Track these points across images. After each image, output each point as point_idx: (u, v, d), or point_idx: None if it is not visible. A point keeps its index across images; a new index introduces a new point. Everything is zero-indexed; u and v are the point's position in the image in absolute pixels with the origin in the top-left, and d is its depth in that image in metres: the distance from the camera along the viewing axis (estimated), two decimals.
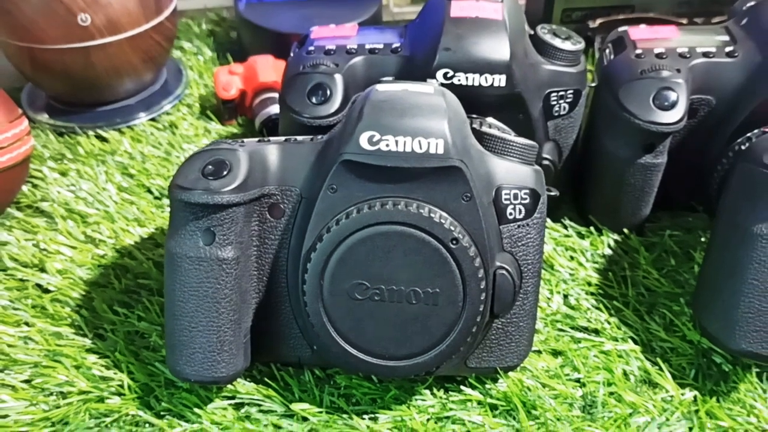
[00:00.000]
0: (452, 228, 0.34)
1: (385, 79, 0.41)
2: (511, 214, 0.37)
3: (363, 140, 0.34)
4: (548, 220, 0.50)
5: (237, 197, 0.35)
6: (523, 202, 0.37)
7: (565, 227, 0.50)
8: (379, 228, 0.34)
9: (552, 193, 0.42)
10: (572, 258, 0.48)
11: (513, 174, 0.37)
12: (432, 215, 0.34)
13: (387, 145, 0.34)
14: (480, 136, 0.38)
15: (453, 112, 0.35)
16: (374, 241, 0.35)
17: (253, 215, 0.37)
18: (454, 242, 0.34)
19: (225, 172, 0.35)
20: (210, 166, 0.36)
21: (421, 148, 0.34)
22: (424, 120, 0.34)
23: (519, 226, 0.37)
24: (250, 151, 0.37)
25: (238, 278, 0.36)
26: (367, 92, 0.36)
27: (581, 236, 0.50)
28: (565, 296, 0.46)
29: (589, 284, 0.47)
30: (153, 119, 0.60)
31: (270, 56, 0.60)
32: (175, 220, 0.36)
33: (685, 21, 0.66)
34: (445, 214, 0.35)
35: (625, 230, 0.49)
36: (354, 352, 0.36)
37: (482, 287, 0.35)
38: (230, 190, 0.35)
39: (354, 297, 0.35)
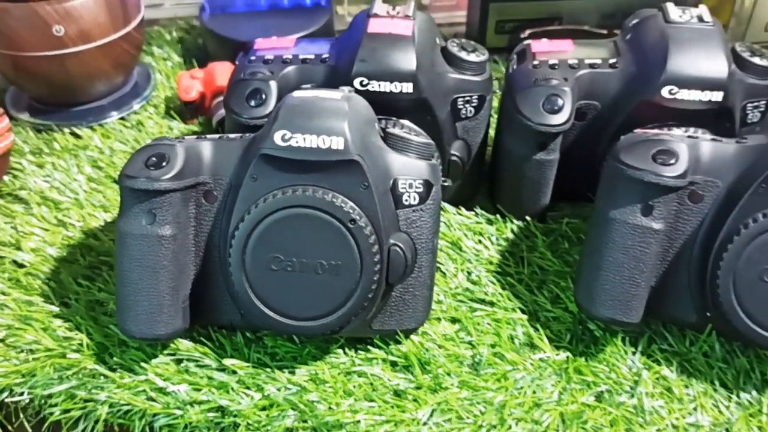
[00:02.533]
0: (351, 211, 0.42)
1: (304, 86, 0.48)
2: (406, 200, 0.44)
3: (277, 138, 0.42)
4: (461, 208, 0.58)
5: (173, 184, 0.43)
6: (417, 190, 0.44)
7: (477, 215, 0.57)
8: (290, 210, 0.42)
9: (446, 184, 0.49)
10: (479, 241, 0.55)
11: (409, 167, 0.44)
12: (334, 200, 0.42)
13: (296, 142, 0.41)
14: (386, 135, 0.45)
15: (355, 114, 0.43)
16: (287, 222, 0.42)
17: (190, 200, 0.44)
18: (352, 222, 0.42)
19: (164, 163, 0.43)
20: (152, 158, 0.43)
21: (324, 144, 0.41)
22: (327, 121, 0.41)
23: (414, 211, 0.45)
24: (186, 146, 0.44)
25: (176, 252, 0.44)
26: (285, 98, 0.43)
27: (489, 222, 0.57)
28: (468, 273, 0.53)
29: (491, 263, 0.54)
30: (122, 118, 0.67)
31: (228, 63, 0.67)
32: (123, 203, 0.44)
33: (605, 31, 0.73)
34: (345, 199, 0.42)
35: (528, 217, 0.56)
36: (270, 314, 0.43)
37: (376, 260, 0.42)
38: (168, 178, 0.42)
39: (270, 268, 0.42)
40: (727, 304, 0.43)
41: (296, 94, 0.43)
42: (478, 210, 0.58)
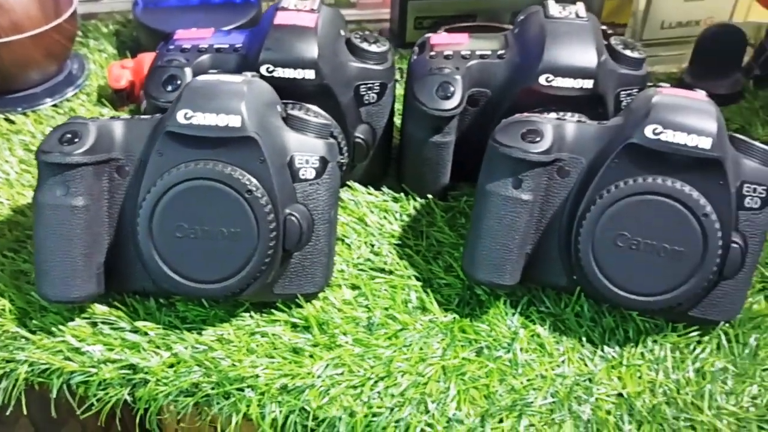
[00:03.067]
0: (247, 182, 0.46)
1: (211, 71, 0.53)
2: (303, 175, 0.49)
3: (180, 116, 0.46)
4: (370, 187, 0.62)
5: (85, 158, 0.47)
6: (313, 166, 0.49)
7: (384, 193, 0.62)
8: (192, 182, 0.46)
9: (342, 160, 0.54)
10: (384, 217, 0.60)
11: (306, 144, 0.49)
12: (232, 172, 0.46)
13: (197, 120, 0.46)
14: (287, 116, 0.50)
15: (254, 96, 0.47)
16: (189, 193, 0.46)
17: (103, 174, 0.48)
18: (249, 193, 0.46)
19: (77, 140, 0.47)
20: (67, 135, 0.47)
21: (222, 122, 0.46)
22: (226, 101, 0.46)
23: (310, 185, 0.49)
24: (99, 125, 0.48)
25: (89, 222, 0.48)
26: (190, 81, 0.48)
27: (395, 200, 0.62)
28: (371, 245, 0.58)
29: (393, 237, 0.59)
30: (56, 105, 0.71)
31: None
32: (40, 176, 0.47)
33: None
34: (243, 172, 0.46)
35: (429, 196, 0.61)
36: (176, 277, 0.47)
37: (272, 228, 0.47)
38: (79, 153, 0.47)
39: (176, 236, 0.47)
40: (587, 267, 0.48)
41: (200, 77, 0.48)
42: (386, 189, 0.63)
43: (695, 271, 0.47)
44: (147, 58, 0.70)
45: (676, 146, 0.45)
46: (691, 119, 0.45)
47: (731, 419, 0.47)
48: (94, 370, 0.49)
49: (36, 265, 0.48)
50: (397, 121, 0.65)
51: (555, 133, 0.49)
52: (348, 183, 0.62)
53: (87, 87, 0.74)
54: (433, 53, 0.58)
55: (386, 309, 0.53)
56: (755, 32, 0.80)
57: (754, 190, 0.47)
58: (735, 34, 0.75)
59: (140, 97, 0.70)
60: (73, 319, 0.51)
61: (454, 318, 0.53)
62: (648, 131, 0.46)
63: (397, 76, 0.60)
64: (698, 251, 0.46)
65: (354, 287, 0.55)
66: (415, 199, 0.62)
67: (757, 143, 0.48)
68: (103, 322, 0.51)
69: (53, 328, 0.50)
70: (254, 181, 0.46)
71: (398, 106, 0.64)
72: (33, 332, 0.50)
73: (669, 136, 0.45)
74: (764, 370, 0.50)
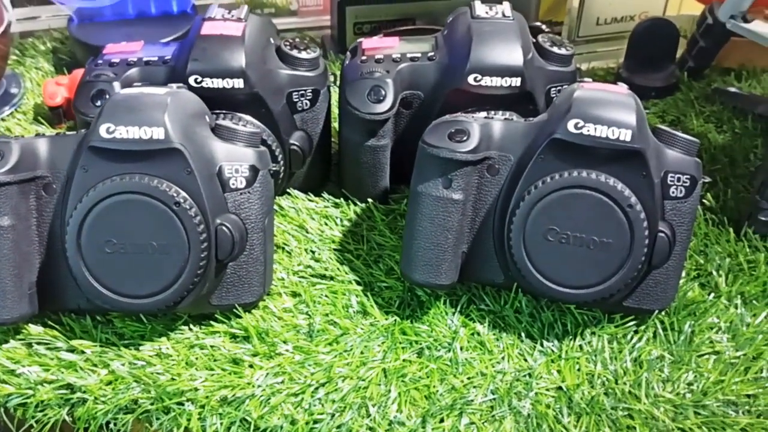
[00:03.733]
0: (175, 194, 0.46)
1: (135, 84, 0.52)
2: (233, 184, 0.49)
3: (102, 131, 0.45)
4: (310, 194, 0.62)
5: (8, 178, 0.46)
6: (243, 175, 0.49)
7: (324, 200, 0.62)
8: (118, 197, 0.46)
9: (274, 168, 0.54)
10: (325, 223, 0.60)
11: (235, 154, 0.49)
12: (158, 185, 0.46)
13: (120, 134, 0.45)
14: (216, 126, 0.50)
15: (177, 107, 0.47)
16: (116, 207, 0.46)
17: (30, 193, 0.48)
18: (177, 205, 0.46)
19: None
20: None
21: (146, 134, 0.45)
22: (148, 113, 0.46)
23: (241, 194, 0.49)
24: (22, 143, 0.48)
25: (16, 242, 0.47)
26: (112, 95, 0.47)
27: (335, 206, 0.62)
28: (312, 252, 0.58)
29: (333, 242, 0.59)
30: None
31: None
32: None
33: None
34: (170, 184, 0.46)
35: (369, 200, 0.62)
36: (108, 293, 0.47)
37: (203, 239, 0.46)
38: (2, 173, 0.46)
39: (104, 251, 0.46)
40: (520, 263, 0.49)
41: (123, 91, 0.48)
42: (326, 195, 0.63)
43: (624, 262, 0.47)
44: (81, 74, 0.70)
45: (598, 139, 0.46)
46: (610, 112, 0.46)
47: (668, 406, 0.48)
48: (30, 392, 0.48)
49: None
50: (335, 126, 0.66)
51: (482, 131, 0.49)
52: (288, 190, 0.62)
53: (23, 106, 0.73)
54: (364, 57, 0.59)
55: (327, 315, 0.53)
56: (688, 24, 0.82)
57: (678, 179, 0.48)
58: (667, 28, 0.77)
59: None
60: (7, 341, 0.50)
61: (395, 320, 0.53)
62: (570, 126, 0.46)
63: (332, 82, 0.60)
64: (626, 242, 0.47)
65: (294, 295, 0.55)
66: (355, 204, 0.62)
67: (679, 133, 0.49)
68: (38, 343, 0.50)
69: None
70: (182, 192, 0.46)
71: (336, 111, 0.64)
72: None
73: (590, 129, 0.46)
74: (699, 356, 0.51)
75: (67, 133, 0.49)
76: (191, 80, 0.54)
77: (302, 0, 0.87)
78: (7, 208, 0.46)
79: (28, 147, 0.48)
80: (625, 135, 0.46)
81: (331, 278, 0.56)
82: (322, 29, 0.88)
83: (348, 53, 0.61)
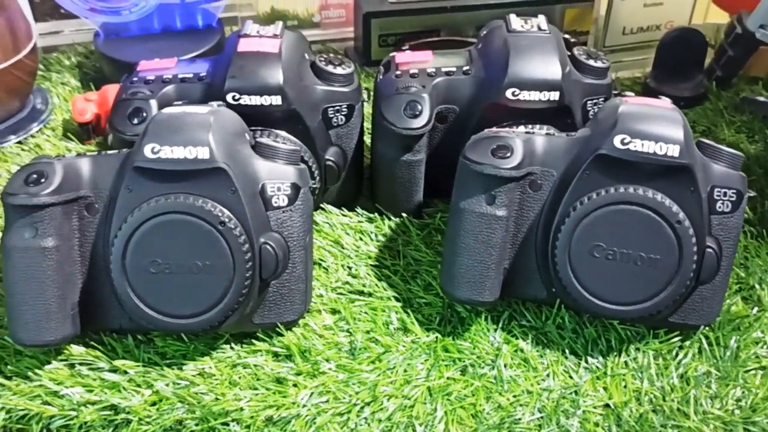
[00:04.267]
0: (220, 214, 0.45)
1: (176, 103, 0.52)
2: (275, 202, 0.48)
3: (147, 151, 0.45)
4: (344, 209, 0.62)
5: (52, 199, 0.46)
6: (285, 193, 0.49)
7: (358, 214, 0.62)
8: (163, 217, 0.45)
9: (315, 186, 0.53)
10: (360, 239, 0.60)
11: (277, 172, 0.49)
12: (203, 204, 0.45)
13: (165, 154, 0.45)
14: (256, 144, 0.50)
15: (220, 126, 0.47)
16: (161, 227, 0.45)
17: (72, 213, 0.47)
18: (222, 225, 0.46)
19: (43, 180, 0.46)
20: (32, 176, 0.46)
21: (191, 154, 0.45)
22: (193, 133, 0.45)
23: (283, 212, 0.49)
24: (65, 163, 0.47)
25: (60, 262, 0.47)
26: (155, 114, 0.47)
27: (369, 221, 0.61)
28: (349, 268, 0.57)
29: (369, 258, 0.58)
30: (20, 142, 0.70)
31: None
32: (7, 220, 0.46)
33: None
34: (214, 203, 0.46)
35: (404, 214, 0.61)
36: (153, 314, 0.46)
37: (248, 258, 0.46)
38: (46, 194, 0.46)
39: (150, 271, 0.46)
40: (565, 279, 0.49)
41: (165, 110, 0.47)
42: (360, 210, 0.62)
43: (672, 278, 0.47)
44: (111, 90, 0.69)
45: (645, 155, 0.46)
46: (658, 128, 0.46)
47: (718, 423, 0.48)
48: (74, 413, 0.48)
49: (8, 309, 0.47)
50: (367, 141, 0.65)
51: (525, 147, 0.49)
52: (322, 206, 0.62)
53: (51, 122, 0.73)
54: (398, 72, 0.58)
55: (368, 332, 0.53)
56: (714, 33, 0.82)
57: (725, 194, 0.48)
58: (696, 37, 0.76)
59: (106, 129, 0.69)
60: (49, 362, 0.50)
61: (437, 337, 0.53)
62: (617, 141, 0.46)
63: (365, 97, 0.60)
64: (674, 258, 0.47)
65: (334, 312, 0.54)
66: (389, 219, 0.61)
67: (723, 147, 0.49)
68: (81, 363, 0.50)
69: (29, 373, 0.49)
70: (227, 212, 0.46)
71: (368, 126, 0.64)
72: (9, 378, 0.49)
73: (637, 145, 0.46)
74: (746, 371, 0.51)
75: (108, 152, 0.49)
76: (229, 97, 0.53)
77: (325, 12, 0.87)
78: (51, 228, 0.46)
79: (70, 167, 0.47)
80: (673, 150, 0.45)
81: (370, 294, 0.56)
82: (344, 41, 0.88)
83: (381, 68, 0.61)
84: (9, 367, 0.49)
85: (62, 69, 0.81)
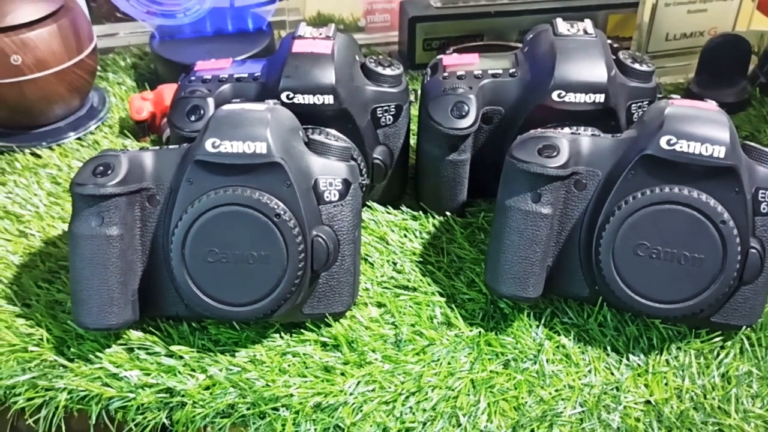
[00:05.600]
0: (276, 207, 0.47)
1: (234, 101, 0.54)
2: (327, 197, 0.50)
3: (208, 145, 0.47)
4: (389, 206, 0.64)
5: (118, 189, 0.48)
6: (337, 188, 0.50)
7: (403, 212, 0.64)
8: (222, 208, 0.48)
9: (364, 182, 0.55)
10: (405, 235, 0.62)
11: (329, 168, 0.50)
12: (260, 197, 0.47)
13: (225, 148, 0.47)
14: (309, 141, 0.52)
15: (277, 123, 0.49)
16: (219, 218, 0.48)
17: (135, 204, 0.50)
18: (277, 217, 0.48)
19: (110, 171, 0.48)
20: (99, 167, 0.49)
21: (249, 149, 0.47)
22: (252, 128, 0.47)
23: (334, 206, 0.51)
24: (130, 156, 0.50)
25: (123, 251, 0.49)
26: (215, 111, 0.49)
27: (414, 219, 0.63)
28: (394, 263, 0.59)
29: (414, 254, 0.60)
30: (79, 138, 0.73)
31: (175, 84, 0.73)
32: (74, 208, 0.49)
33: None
34: (270, 196, 0.48)
35: (448, 213, 0.63)
36: (209, 301, 0.49)
37: (300, 250, 0.48)
38: (113, 184, 0.48)
39: (207, 260, 0.48)
40: (609, 277, 0.50)
41: (225, 107, 0.49)
42: (404, 208, 0.64)
43: (716, 278, 0.48)
44: (166, 90, 0.72)
45: (691, 156, 0.47)
46: (704, 129, 0.47)
47: (759, 422, 0.48)
48: (132, 395, 0.50)
49: (72, 294, 0.50)
50: (413, 141, 0.67)
51: (571, 147, 0.50)
52: (368, 203, 0.63)
53: (109, 119, 0.76)
54: (446, 74, 0.60)
55: (412, 325, 0.54)
56: (758, 40, 0.82)
57: None
58: (740, 43, 0.77)
59: (161, 127, 0.72)
60: (109, 346, 0.52)
61: (480, 332, 0.54)
62: (663, 142, 0.47)
63: (411, 98, 0.62)
64: (718, 258, 0.47)
65: (380, 305, 0.56)
66: (434, 217, 0.63)
67: None
68: (139, 348, 0.52)
69: (91, 356, 0.51)
70: (282, 205, 0.48)
71: (413, 126, 0.65)
72: (71, 360, 0.52)
73: (683, 146, 0.47)
74: None
75: (170, 147, 0.51)
76: (283, 96, 0.56)
77: (370, 17, 0.89)
78: (116, 218, 0.49)
79: (135, 160, 0.50)
80: (719, 152, 0.46)
81: (414, 289, 0.57)
82: (389, 45, 0.90)
83: (428, 70, 0.62)
84: (72, 349, 0.52)
85: (118, 69, 0.84)
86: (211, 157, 0.48)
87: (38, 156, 0.71)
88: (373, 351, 0.52)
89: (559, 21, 0.59)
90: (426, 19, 0.82)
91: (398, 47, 0.87)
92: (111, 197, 0.48)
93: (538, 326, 0.54)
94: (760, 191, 0.48)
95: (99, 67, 0.82)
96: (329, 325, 0.54)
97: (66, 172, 0.68)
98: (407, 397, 0.50)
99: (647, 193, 0.48)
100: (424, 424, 0.48)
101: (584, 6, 0.82)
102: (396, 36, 0.88)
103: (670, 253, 0.48)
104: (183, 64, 0.77)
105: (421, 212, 0.63)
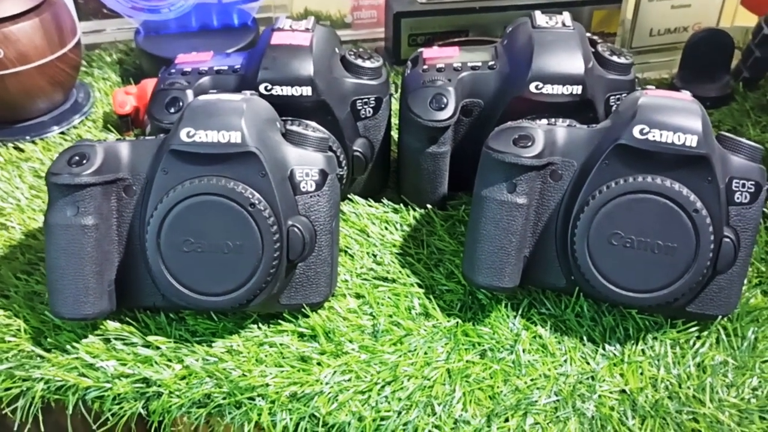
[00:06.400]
0: (250, 196, 0.48)
1: (211, 91, 0.54)
2: (303, 187, 0.50)
3: (183, 134, 0.48)
4: (370, 199, 0.64)
5: (93, 179, 0.48)
6: (313, 179, 0.50)
7: (384, 205, 0.64)
8: (196, 198, 0.48)
9: (341, 173, 0.55)
10: (386, 228, 0.62)
11: (305, 158, 0.51)
12: (235, 187, 0.47)
13: (200, 138, 0.47)
14: (286, 132, 0.52)
15: (253, 113, 0.49)
16: (194, 208, 0.48)
17: (111, 194, 0.50)
18: (252, 206, 0.48)
19: (85, 161, 0.49)
20: (75, 157, 0.49)
21: (224, 138, 0.47)
22: (226, 118, 0.48)
23: (311, 197, 0.51)
24: (106, 146, 0.50)
25: (99, 240, 0.49)
26: (191, 101, 0.50)
27: (395, 211, 0.63)
28: (374, 255, 0.59)
29: (394, 246, 0.60)
30: (63, 132, 0.73)
31: None
32: (50, 198, 0.49)
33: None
34: (245, 186, 0.48)
35: (428, 205, 0.63)
36: (184, 291, 0.49)
37: (276, 239, 0.48)
38: (88, 174, 0.48)
39: (183, 250, 0.48)
40: (584, 267, 0.50)
41: (201, 97, 0.50)
42: (386, 201, 0.64)
43: (689, 267, 0.48)
44: (150, 84, 0.72)
45: (664, 145, 0.47)
46: (676, 118, 0.47)
47: (733, 411, 0.48)
48: (108, 385, 0.50)
49: (49, 284, 0.50)
50: (394, 134, 0.67)
51: (546, 137, 0.51)
52: (349, 196, 0.64)
53: (93, 114, 0.76)
54: (425, 67, 0.60)
55: (390, 316, 0.54)
56: (742, 36, 0.82)
57: (743, 185, 0.49)
58: (723, 39, 0.77)
59: (144, 121, 0.72)
60: (86, 336, 0.52)
61: (457, 322, 0.54)
62: (636, 131, 0.47)
63: (392, 91, 0.62)
64: (691, 247, 0.48)
65: (358, 296, 0.56)
66: (414, 210, 0.63)
67: (743, 140, 0.49)
68: (115, 338, 0.52)
69: (67, 346, 0.51)
70: (257, 194, 0.48)
71: (394, 120, 0.65)
72: (48, 350, 0.52)
73: (656, 135, 0.47)
74: (763, 362, 0.51)
75: (146, 137, 0.52)
76: (261, 88, 0.56)
77: (357, 13, 0.89)
78: (91, 207, 0.49)
79: (111, 150, 0.50)
80: (691, 141, 0.46)
81: (393, 281, 0.57)
82: (375, 41, 0.90)
83: (409, 62, 0.63)
84: (48, 340, 0.52)
85: (104, 65, 0.84)
86: (186, 147, 0.48)
87: (21, 150, 0.71)
88: (350, 341, 0.52)
89: (537, 13, 0.59)
90: (411, 14, 0.82)
91: (384, 43, 0.87)
92: (86, 187, 0.48)
93: (515, 317, 0.54)
94: (734, 181, 0.48)
95: (84, 63, 0.83)
96: (307, 316, 0.54)
97: (48, 165, 0.68)
98: (383, 387, 0.50)
99: (621, 182, 0.48)
100: (399, 413, 0.48)
101: (568, 2, 0.82)
102: (383, 32, 0.88)
103: (644, 242, 0.48)
104: (167, 59, 0.77)
105: (402, 205, 0.63)
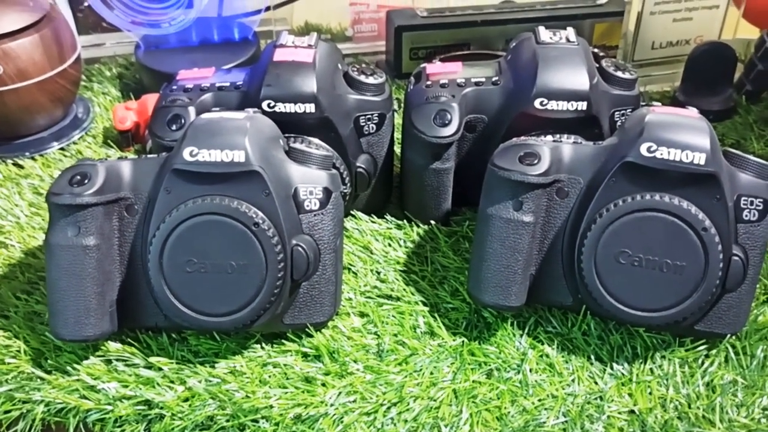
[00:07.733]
0: (254, 215, 0.47)
1: (214, 109, 0.54)
2: (307, 206, 0.50)
3: (186, 154, 0.47)
4: (373, 215, 0.63)
5: (95, 199, 0.48)
6: (317, 197, 0.50)
7: (387, 221, 0.63)
8: (200, 218, 0.47)
9: (345, 190, 0.55)
10: (389, 244, 0.61)
11: (309, 176, 0.50)
12: (238, 206, 0.47)
13: (203, 157, 0.47)
14: (290, 149, 0.51)
15: (256, 131, 0.48)
16: (197, 228, 0.47)
17: (113, 214, 0.49)
18: (256, 226, 0.47)
19: (86, 181, 0.48)
20: (76, 177, 0.48)
21: (227, 157, 0.47)
22: (230, 137, 0.47)
23: (315, 215, 0.50)
24: (107, 165, 0.49)
25: (100, 261, 0.49)
26: (194, 119, 0.49)
27: (398, 228, 0.63)
28: (378, 273, 0.59)
29: (398, 263, 0.59)
30: (63, 148, 0.73)
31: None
32: (51, 218, 0.49)
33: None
34: (249, 205, 0.47)
35: (432, 222, 0.62)
36: (187, 311, 0.48)
37: (280, 259, 0.48)
38: (89, 194, 0.48)
39: (186, 270, 0.48)
40: (591, 285, 0.49)
41: (204, 115, 0.49)
42: (389, 217, 0.64)
43: (698, 285, 0.47)
44: (150, 99, 0.72)
45: (672, 163, 0.46)
46: (684, 136, 0.46)
47: (743, 431, 0.48)
48: (109, 407, 0.49)
49: (49, 305, 0.49)
50: (397, 150, 0.67)
51: (552, 155, 0.50)
52: (352, 212, 0.63)
53: (93, 129, 0.76)
54: (429, 82, 0.60)
55: (395, 335, 0.54)
56: (744, 48, 0.82)
57: (751, 203, 0.48)
58: (725, 51, 0.77)
59: (145, 137, 0.71)
60: (87, 358, 0.52)
61: (463, 341, 0.53)
62: (643, 149, 0.47)
63: (395, 106, 0.62)
64: (700, 265, 0.47)
65: (362, 315, 0.55)
66: (418, 226, 0.63)
67: (750, 157, 0.49)
68: (117, 359, 0.51)
69: (68, 367, 0.51)
70: (260, 213, 0.47)
71: (397, 135, 0.65)
72: (48, 372, 0.51)
73: (664, 153, 0.46)
74: None
75: (148, 156, 0.51)
76: (264, 105, 0.55)
77: (357, 26, 0.89)
78: (93, 228, 0.48)
79: (112, 169, 0.49)
80: (699, 158, 0.46)
81: (398, 299, 0.57)
82: (376, 54, 0.90)
83: (412, 78, 0.62)
84: (49, 361, 0.51)
85: (103, 79, 0.84)
86: (189, 166, 0.47)
87: (20, 166, 0.70)
88: (355, 361, 0.52)
89: (541, 29, 0.58)
90: (412, 28, 0.82)
91: (385, 57, 0.87)
92: (87, 207, 0.48)
93: (521, 335, 0.54)
94: (742, 198, 0.48)
95: (84, 77, 0.82)
96: (311, 336, 0.53)
97: (48, 182, 0.68)
98: (389, 408, 0.49)
99: (628, 200, 0.47)
100: None
101: (570, 15, 0.82)
102: (384, 46, 0.88)
103: (652, 260, 0.47)
104: (168, 74, 0.76)
105: (405, 221, 0.63)
